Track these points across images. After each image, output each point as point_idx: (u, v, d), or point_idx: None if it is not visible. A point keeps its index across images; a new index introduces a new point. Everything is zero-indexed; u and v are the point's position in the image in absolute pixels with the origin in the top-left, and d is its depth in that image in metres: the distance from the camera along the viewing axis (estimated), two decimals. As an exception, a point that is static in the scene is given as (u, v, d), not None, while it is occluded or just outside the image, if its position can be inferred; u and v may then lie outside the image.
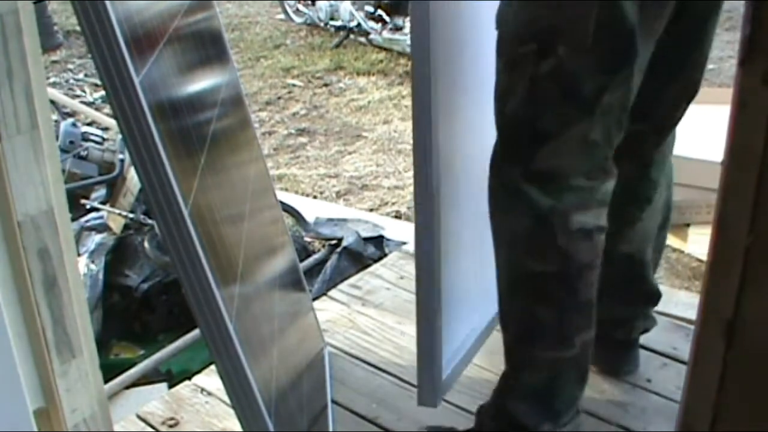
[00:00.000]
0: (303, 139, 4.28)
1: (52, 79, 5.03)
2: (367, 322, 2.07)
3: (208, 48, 1.60)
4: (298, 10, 6.32)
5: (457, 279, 1.63)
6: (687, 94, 1.56)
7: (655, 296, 1.77)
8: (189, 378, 1.89)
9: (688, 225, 2.84)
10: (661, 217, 1.69)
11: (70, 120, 2.90)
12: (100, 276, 2.30)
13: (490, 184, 1.44)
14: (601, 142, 1.37)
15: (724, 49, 4.89)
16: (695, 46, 1.48)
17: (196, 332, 2.11)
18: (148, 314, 2.38)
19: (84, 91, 4.93)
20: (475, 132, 1.60)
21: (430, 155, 1.43)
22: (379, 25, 5.53)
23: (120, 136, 2.55)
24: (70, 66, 5.39)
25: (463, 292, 1.69)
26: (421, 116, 1.41)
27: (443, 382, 1.62)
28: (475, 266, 1.72)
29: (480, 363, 1.88)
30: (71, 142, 2.64)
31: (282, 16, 6.46)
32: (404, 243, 2.49)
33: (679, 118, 1.60)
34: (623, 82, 1.33)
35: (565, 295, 1.44)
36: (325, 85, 5.09)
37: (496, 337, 1.97)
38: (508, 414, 1.51)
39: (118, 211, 2.48)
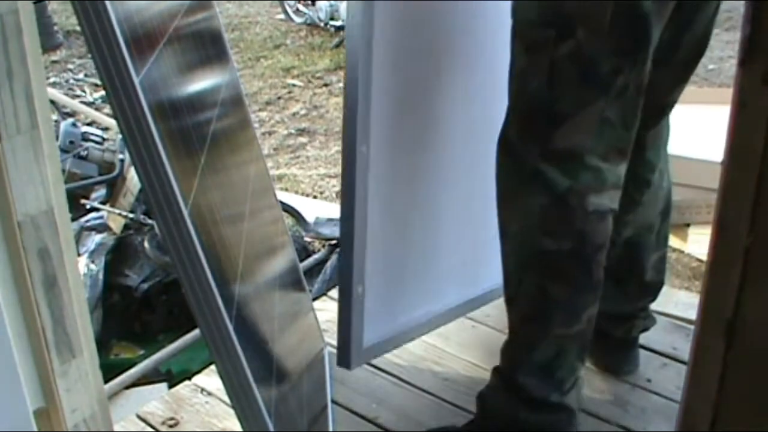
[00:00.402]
0: (303, 139, 4.28)
1: (52, 79, 5.03)
2: (367, 322, 2.07)
3: (208, 48, 1.60)
4: (298, 10, 6.32)
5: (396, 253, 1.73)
6: (680, 77, 1.58)
7: (655, 290, 1.77)
8: (189, 378, 1.89)
9: (688, 225, 2.84)
10: (662, 204, 1.70)
11: (70, 120, 2.90)
12: (100, 276, 2.30)
13: (501, 164, 1.49)
14: (616, 123, 1.42)
15: (724, 49, 4.89)
16: (687, 28, 1.49)
17: (196, 332, 2.11)
18: (148, 314, 2.38)
19: (84, 91, 4.93)
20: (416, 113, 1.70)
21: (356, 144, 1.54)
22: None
23: (120, 136, 2.55)
24: (70, 66, 5.39)
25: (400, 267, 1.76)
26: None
27: (364, 348, 1.69)
28: (421, 251, 1.79)
29: (479, 363, 1.89)
30: (71, 142, 2.64)
31: (282, 16, 6.46)
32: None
33: (674, 101, 1.62)
34: (638, 64, 1.38)
35: (579, 274, 1.49)
36: (325, 85, 5.09)
37: (496, 336, 1.97)
38: (518, 388, 1.55)
39: (118, 211, 2.48)
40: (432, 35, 1.70)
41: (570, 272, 1.49)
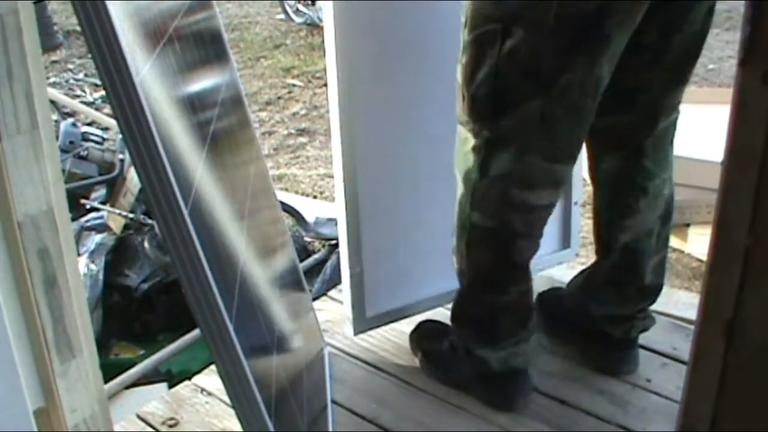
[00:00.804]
0: (303, 139, 4.28)
1: (52, 79, 5.03)
2: (367, 322, 2.07)
3: (208, 48, 1.60)
4: (298, 10, 6.32)
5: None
6: (675, 81, 1.57)
7: (654, 292, 1.77)
8: (189, 378, 1.89)
9: (688, 225, 2.84)
10: (662, 210, 1.70)
11: (70, 120, 2.90)
12: (100, 276, 2.30)
13: (459, 134, 1.58)
14: (561, 122, 1.46)
15: (724, 49, 4.89)
16: (676, 29, 1.48)
17: (196, 332, 2.11)
18: (148, 314, 2.38)
19: (84, 91, 4.93)
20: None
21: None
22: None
23: (120, 136, 2.55)
24: (70, 66, 5.39)
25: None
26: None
27: (366, 318, 1.96)
28: (414, 240, 1.97)
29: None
30: (71, 142, 2.64)
31: (282, 16, 6.46)
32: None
33: (671, 106, 1.61)
34: (583, 65, 1.40)
35: (500, 253, 1.61)
36: (325, 85, 5.07)
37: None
38: (457, 334, 1.76)
39: (118, 211, 2.48)
40: (415, 27, 1.76)
41: (491, 248, 1.61)
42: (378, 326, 1.99)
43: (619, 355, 1.82)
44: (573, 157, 1.55)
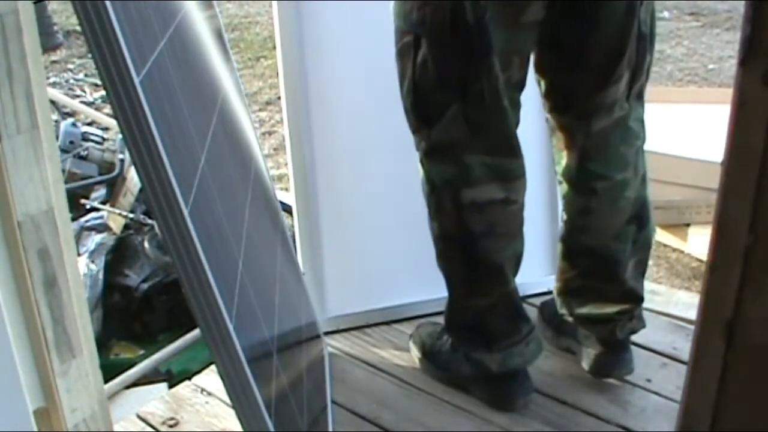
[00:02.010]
0: (303, 139, 4.28)
1: (52, 79, 5.03)
2: (367, 322, 2.07)
3: (209, 47, 1.60)
4: (298, 10, 6.31)
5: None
6: (602, 80, 1.55)
7: (634, 296, 1.73)
8: (189, 378, 1.89)
9: (688, 225, 2.84)
10: (631, 213, 1.66)
11: (70, 120, 2.90)
12: (100, 276, 2.29)
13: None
14: (486, 123, 1.51)
15: (724, 49, 4.89)
16: (592, 27, 1.49)
17: (196, 332, 2.11)
18: (148, 314, 2.37)
19: (84, 91, 4.92)
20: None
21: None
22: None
23: (120, 136, 2.55)
24: (70, 66, 5.39)
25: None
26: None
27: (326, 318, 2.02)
28: (374, 250, 2.02)
29: (480, 363, 1.88)
30: (71, 142, 2.64)
31: (282, 16, 6.45)
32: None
33: (606, 106, 1.58)
34: (482, 70, 1.45)
35: (464, 257, 1.64)
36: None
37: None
38: (453, 337, 1.78)
39: (118, 211, 2.47)
40: (373, 32, 1.80)
41: (457, 254, 1.65)
42: (345, 330, 2.02)
43: (609, 357, 1.78)
44: (513, 150, 1.57)
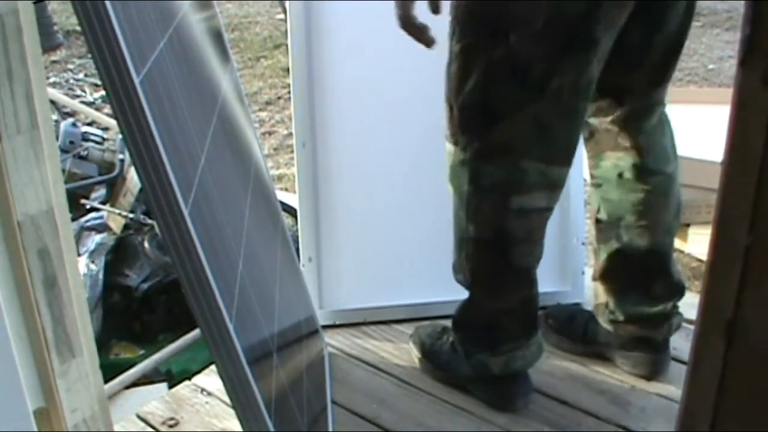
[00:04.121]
0: (303, 139, 4.27)
1: (52, 79, 5.02)
2: (367, 322, 2.07)
3: (209, 47, 1.60)
4: (298, 10, 6.31)
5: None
6: (659, 79, 1.58)
7: (680, 289, 1.77)
8: (189, 378, 1.89)
9: (688, 225, 2.84)
10: (676, 208, 1.71)
11: (70, 120, 2.90)
12: (100, 276, 2.29)
13: (447, 150, 1.58)
14: (555, 126, 1.47)
15: (724, 49, 4.89)
16: (657, 28, 1.49)
17: (196, 332, 2.11)
18: (148, 314, 2.37)
19: (84, 91, 4.92)
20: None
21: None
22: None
23: (120, 136, 2.55)
24: (70, 66, 5.38)
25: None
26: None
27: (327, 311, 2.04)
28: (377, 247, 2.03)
29: (480, 363, 1.88)
30: (71, 142, 2.63)
31: (282, 16, 6.45)
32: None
33: (657, 103, 1.62)
34: (573, 68, 1.41)
35: (498, 262, 1.62)
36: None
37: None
38: (457, 337, 1.77)
39: (118, 211, 2.47)
40: (386, 32, 1.81)
41: (491, 258, 1.62)
42: (343, 325, 2.04)
43: (657, 358, 1.81)
44: (569, 160, 1.55)
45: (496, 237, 1.59)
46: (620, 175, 1.66)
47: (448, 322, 1.83)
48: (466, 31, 1.45)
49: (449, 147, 1.57)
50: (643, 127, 1.63)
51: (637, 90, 1.58)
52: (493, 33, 1.41)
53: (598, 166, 1.69)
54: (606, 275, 1.77)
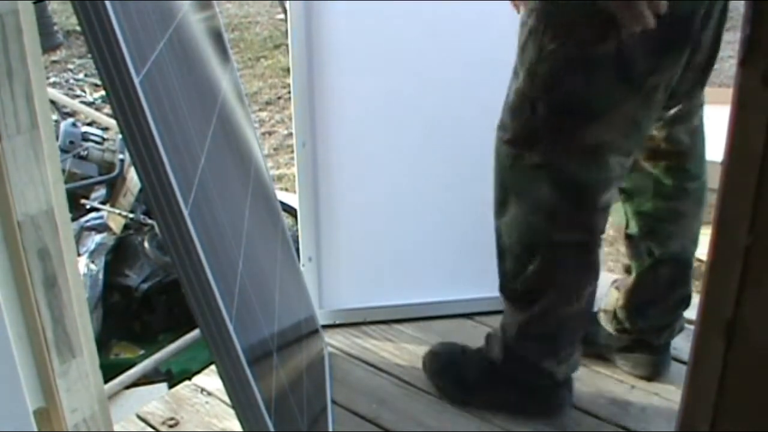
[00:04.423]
0: (303, 139, 4.27)
1: (52, 79, 5.02)
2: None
3: (208, 48, 1.60)
4: (298, 10, 6.30)
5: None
6: (703, 78, 1.57)
7: (690, 297, 1.77)
8: (189, 378, 1.89)
9: (688, 225, 2.83)
10: (701, 215, 1.69)
11: (70, 120, 2.90)
12: (100, 276, 2.29)
13: (507, 155, 1.52)
14: (643, 123, 1.46)
15: (725, 49, 4.85)
16: (705, 27, 1.47)
17: (196, 332, 2.11)
18: (148, 314, 2.37)
19: (84, 91, 4.92)
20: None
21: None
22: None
23: (120, 136, 2.55)
24: (70, 66, 5.38)
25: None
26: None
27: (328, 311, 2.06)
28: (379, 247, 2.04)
29: (480, 363, 1.88)
30: (71, 142, 2.64)
31: (282, 16, 6.45)
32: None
33: (699, 104, 1.63)
34: (670, 64, 1.40)
35: (583, 262, 1.57)
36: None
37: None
38: (517, 349, 1.67)
39: (118, 211, 2.47)
40: (390, 32, 1.82)
41: (574, 260, 1.56)
42: (343, 325, 2.04)
43: (658, 360, 1.81)
44: (641, 150, 1.56)
45: (586, 237, 1.54)
46: (658, 183, 1.63)
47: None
48: (561, 30, 1.38)
49: (508, 152, 1.51)
50: (687, 128, 1.62)
51: (685, 90, 1.55)
52: (600, 29, 1.35)
53: (629, 178, 1.64)
54: (633, 292, 1.75)
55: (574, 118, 1.43)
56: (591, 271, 1.60)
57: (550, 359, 1.66)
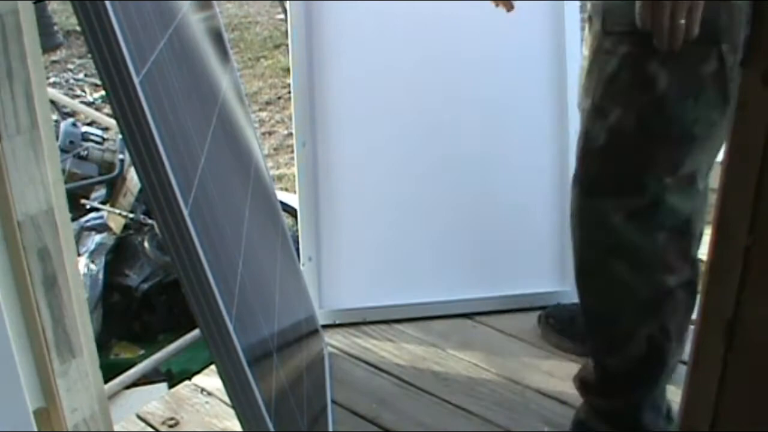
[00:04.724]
0: (303, 139, 4.28)
1: (52, 79, 5.02)
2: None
3: (208, 48, 1.60)
4: (298, 10, 6.30)
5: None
6: None
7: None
8: (189, 378, 1.89)
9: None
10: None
11: (70, 120, 2.89)
12: (100, 276, 2.29)
13: (595, 208, 1.42)
14: (723, 140, 1.36)
15: (724, 49, 4.87)
16: None
17: (196, 332, 2.11)
18: (148, 314, 2.37)
19: (84, 91, 4.92)
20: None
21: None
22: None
23: (120, 136, 2.55)
24: (70, 66, 5.38)
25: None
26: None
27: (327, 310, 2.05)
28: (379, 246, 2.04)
29: (479, 363, 1.89)
30: (71, 142, 2.63)
31: (282, 16, 6.45)
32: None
33: None
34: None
35: (691, 301, 1.44)
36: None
37: (496, 336, 1.97)
38: (639, 425, 1.50)
39: (118, 211, 2.47)
40: (390, 32, 1.83)
41: (685, 303, 1.45)
42: (343, 325, 2.04)
43: None
44: None
45: (693, 272, 1.43)
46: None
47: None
48: (669, 53, 1.23)
49: (594, 205, 1.41)
50: None
51: None
52: (706, 48, 1.25)
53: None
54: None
55: (675, 146, 1.33)
56: (692, 308, 1.46)
57: (664, 419, 1.50)
